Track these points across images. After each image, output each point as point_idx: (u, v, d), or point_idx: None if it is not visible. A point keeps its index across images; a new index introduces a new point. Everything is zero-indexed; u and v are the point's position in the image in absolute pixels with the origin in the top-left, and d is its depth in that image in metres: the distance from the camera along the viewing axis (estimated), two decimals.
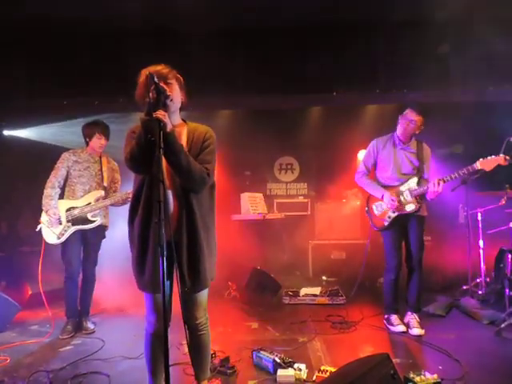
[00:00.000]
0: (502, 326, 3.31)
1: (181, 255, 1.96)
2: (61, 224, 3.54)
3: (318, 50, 4.78)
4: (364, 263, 4.19)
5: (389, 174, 3.53)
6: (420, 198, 3.39)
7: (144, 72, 1.98)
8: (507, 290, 3.76)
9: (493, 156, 3.15)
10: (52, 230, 3.52)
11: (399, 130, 3.51)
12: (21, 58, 4.75)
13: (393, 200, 3.38)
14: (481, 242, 4.39)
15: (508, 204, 4.17)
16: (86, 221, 3.59)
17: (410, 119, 3.40)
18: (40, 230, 3.57)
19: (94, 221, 3.61)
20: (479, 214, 4.45)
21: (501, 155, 3.14)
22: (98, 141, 3.68)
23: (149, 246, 1.95)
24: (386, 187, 3.51)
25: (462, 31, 4.38)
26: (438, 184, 3.19)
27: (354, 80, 4.85)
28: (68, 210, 3.56)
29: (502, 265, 4.01)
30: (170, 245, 1.85)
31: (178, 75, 2.09)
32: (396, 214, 3.43)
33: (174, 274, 1.94)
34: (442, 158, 4.12)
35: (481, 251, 4.39)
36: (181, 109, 2.14)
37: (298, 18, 4.60)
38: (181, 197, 1.98)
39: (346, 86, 4.94)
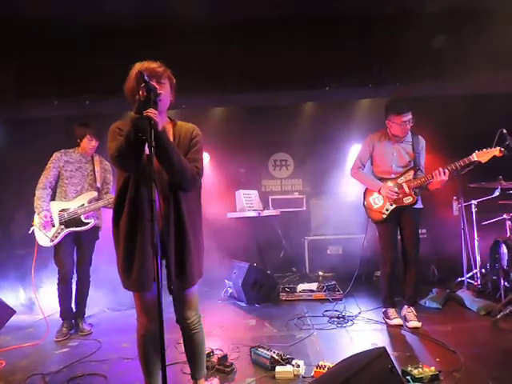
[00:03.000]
0: (498, 316, 3.33)
1: (168, 254, 1.93)
2: (54, 226, 3.49)
3: (310, 46, 4.77)
4: (360, 258, 4.19)
5: (385, 168, 3.53)
6: (418, 190, 3.40)
7: (138, 66, 1.94)
8: (502, 281, 3.79)
9: (488, 148, 3.19)
10: (45, 232, 3.46)
11: (396, 132, 3.44)
12: (11, 58, 4.68)
13: (392, 190, 3.39)
14: (475, 234, 4.41)
15: (502, 195, 4.19)
16: (79, 223, 3.55)
17: (403, 120, 3.34)
18: (33, 233, 3.52)
19: (88, 223, 3.57)
20: (473, 206, 4.46)
21: (496, 147, 3.17)
22: (88, 142, 3.65)
23: (136, 246, 1.92)
24: (382, 180, 3.51)
25: (456, 23, 4.37)
26: (444, 173, 3.22)
27: (347, 75, 4.84)
28: (61, 211, 3.52)
29: (496, 256, 4.03)
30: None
31: (171, 76, 2.06)
32: (394, 206, 3.43)
33: (162, 272, 1.92)
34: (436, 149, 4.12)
35: (475, 243, 4.41)
36: (168, 108, 2.12)
37: (290, 13, 4.57)
38: (168, 196, 1.95)
39: (339, 81, 4.93)
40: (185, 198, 1.99)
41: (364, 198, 3.68)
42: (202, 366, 2.23)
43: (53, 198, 3.61)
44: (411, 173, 3.44)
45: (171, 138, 2.01)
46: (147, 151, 1.73)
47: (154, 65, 1.96)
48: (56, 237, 3.49)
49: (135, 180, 1.93)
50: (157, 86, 1.85)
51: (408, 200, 3.41)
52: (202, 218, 2.15)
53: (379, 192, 3.48)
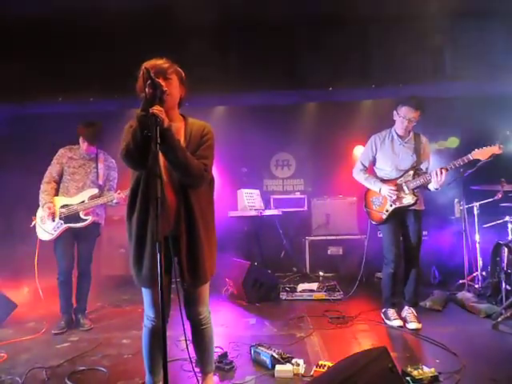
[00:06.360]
0: (499, 319, 3.33)
1: (180, 251, 1.95)
2: (54, 221, 3.52)
3: (313, 46, 4.77)
4: (364, 259, 4.20)
5: (388, 170, 3.53)
6: (418, 190, 3.40)
7: (145, 64, 1.94)
8: (503, 284, 3.78)
9: (488, 146, 3.15)
10: (43, 227, 3.51)
11: (397, 128, 3.49)
12: (16, 54, 4.70)
13: (391, 190, 3.39)
14: (477, 236, 4.41)
15: (504, 198, 4.18)
16: (78, 219, 3.57)
17: (408, 118, 3.37)
18: (34, 227, 3.57)
19: (86, 219, 3.59)
20: (475, 208, 4.46)
21: (496, 144, 3.13)
22: (82, 144, 3.68)
23: (146, 242, 1.94)
24: (384, 181, 3.52)
25: (457, 23, 4.38)
26: (441, 173, 3.17)
27: (350, 75, 4.84)
28: (62, 207, 3.55)
29: (498, 258, 4.02)
30: (168, 240, 1.88)
31: (179, 69, 2.07)
32: (393, 206, 3.43)
33: (173, 269, 1.94)
34: (437, 152, 4.12)
35: (477, 245, 4.40)
36: (180, 104, 2.13)
37: (293, 14, 4.58)
38: (179, 192, 1.97)
39: (342, 82, 4.93)
40: (196, 195, 2.00)
41: (365, 200, 3.69)
42: (212, 360, 2.26)
43: (56, 194, 3.63)
44: (411, 173, 3.43)
45: (182, 135, 2.03)
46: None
47: (159, 61, 1.98)
48: (55, 231, 3.52)
49: (146, 177, 1.95)
50: (162, 83, 1.85)
51: (407, 200, 3.40)
52: (214, 213, 2.16)
53: (379, 192, 3.49)
